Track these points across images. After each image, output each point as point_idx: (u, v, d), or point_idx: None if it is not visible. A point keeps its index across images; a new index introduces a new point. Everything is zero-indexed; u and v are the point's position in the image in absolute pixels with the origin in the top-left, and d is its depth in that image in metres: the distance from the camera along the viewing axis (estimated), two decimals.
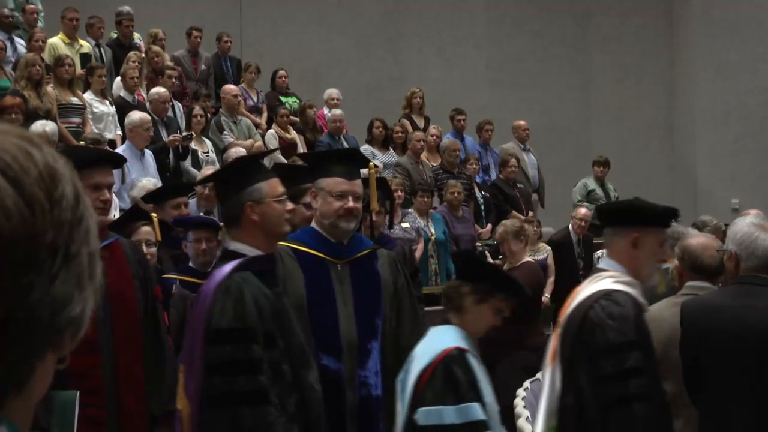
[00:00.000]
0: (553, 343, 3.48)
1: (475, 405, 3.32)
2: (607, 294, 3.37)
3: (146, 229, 5.12)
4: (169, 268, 5.63)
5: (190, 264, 5.49)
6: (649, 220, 3.54)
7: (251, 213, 3.27)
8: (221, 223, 5.63)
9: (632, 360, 3.25)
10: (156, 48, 10.76)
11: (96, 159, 3.78)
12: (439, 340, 3.49)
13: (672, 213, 3.60)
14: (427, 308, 6.05)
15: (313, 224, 3.85)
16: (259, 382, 3.04)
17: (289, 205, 3.42)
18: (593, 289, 3.43)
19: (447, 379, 3.35)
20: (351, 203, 3.78)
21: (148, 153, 8.54)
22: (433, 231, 9.15)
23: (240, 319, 3.06)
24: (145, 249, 4.58)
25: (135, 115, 8.51)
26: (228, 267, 3.15)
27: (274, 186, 3.35)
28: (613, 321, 3.29)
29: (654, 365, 3.40)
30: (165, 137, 9.08)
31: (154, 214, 5.31)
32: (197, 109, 9.63)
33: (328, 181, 3.78)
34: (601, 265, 3.68)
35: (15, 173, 0.90)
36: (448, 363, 3.37)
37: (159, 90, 9.48)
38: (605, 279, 3.46)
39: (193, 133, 9.32)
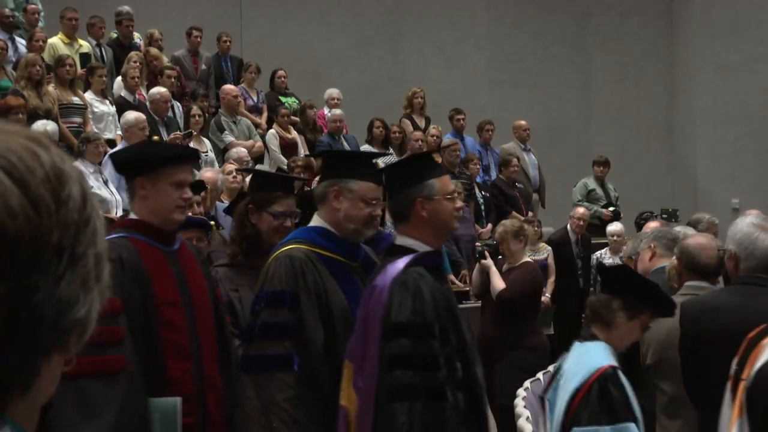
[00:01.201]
0: (738, 395, 3.21)
1: (632, 425, 3.28)
2: None
3: None
4: None
5: None
6: None
7: (421, 209, 3.24)
8: (212, 222, 5.65)
9: None
10: (154, 51, 10.76)
11: (180, 156, 3.68)
12: (591, 357, 3.42)
13: None
14: None
15: (324, 224, 3.68)
16: (438, 378, 3.04)
17: (458, 203, 3.38)
18: None
19: (602, 398, 3.29)
20: (378, 210, 3.72)
21: None
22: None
23: (419, 313, 3.06)
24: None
25: (130, 115, 8.53)
26: (401, 262, 3.13)
27: (445, 183, 3.31)
28: None
29: None
30: (165, 137, 9.09)
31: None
32: (195, 109, 9.63)
33: (362, 185, 3.62)
34: None
35: (21, 174, 0.90)
36: (604, 382, 3.31)
37: (159, 90, 9.49)
38: None
39: (192, 131, 9.33)
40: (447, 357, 3.07)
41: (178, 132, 9.18)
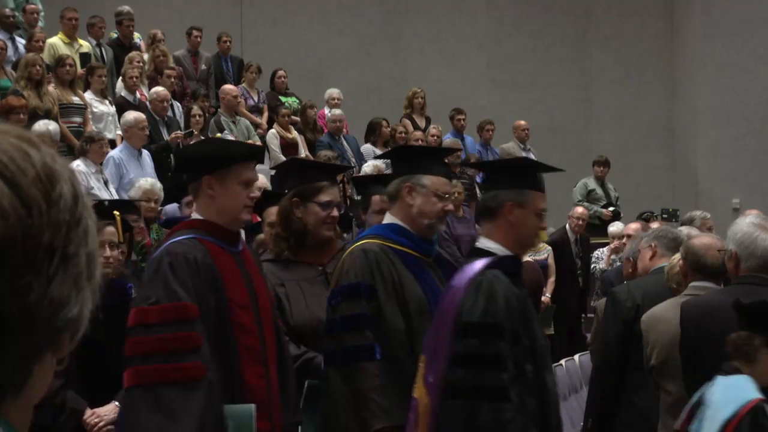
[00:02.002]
0: None
1: None
2: None
3: (110, 229, 4.50)
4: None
5: None
6: None
7: (509, 213, 3.26)
8: None
9: None
10: (162, 48, 10.80)
11: (249, 154, 3.56)
12: (740, 390, 3.42)
13: None
14: None
15: (397, 221, 3.63)
16: (502, 379, 3.04)
17: (543, 224, 3.40)
18: None
19: (754, 430, 3.31)
20: (450, 206, 3.73)
21: (146, 153, 8.55)
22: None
23: (490, 314, 3.08)
24: (108, 252, 4.18)
25: (130, 116, 8.54)
26: (479, 263, 3.14)
27: (540, 200, 3.33)
28: None
29: None
30: (166, 137, 9.10)
31: (116, 212, 5.04)
32: (195, 109, 9.63)
33: (434, 179, 3.60)
34: None
35: (12, 174, 0.90)
36: (755, 415, 3.32)
37: (158, 90, 9.50)
38: None
39: (194, 130, 9.33)
40: (516, 360, 3.09)
41: (179, 131, 9.18)
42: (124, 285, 4.46)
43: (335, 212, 4.07)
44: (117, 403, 4.13)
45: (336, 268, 3.61)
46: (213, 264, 3.24)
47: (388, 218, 3.68)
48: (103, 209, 4.76)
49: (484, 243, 3.31)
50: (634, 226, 7.91)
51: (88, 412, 3.99)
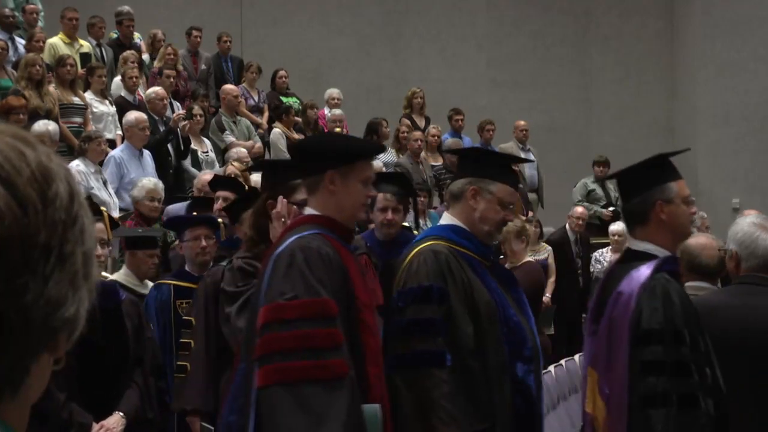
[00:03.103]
0: None
1: None
2: None
3: (99, 226, 4.35)
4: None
5: (186, 267, 5.21)
6: None
7: (660, 212, 3.25)
8: (219, 220, 5.55)
9: None
10: (173, 47, 10.87)
11: (374, 150, 3.49)
12: None
13: None
14: None
15: (458, 222, 3.56)
16: (691, 385, 3.02)
17: (693, 208, 3.33)
18: None
19: None
20: (512, 216, 3.69)
21: (147, 153, 8.55)
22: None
23: (669, 320, 3.05)
24: (99, 251, 4.13)
25: (131, 116, 8.56)
26: (646, 268, 3.13)
27: (682, 187, 3.31)
28: None
29: None
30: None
31: (104, 208, 4.78)
32: (197, 109, 9.64)
33: (501, 187, 3.54)
34: None
35: (7, 173, 0.90)
36: None
37: (156, 89, 9.51)
38: None
39: (193, 107, 9.38)
40: (697, 363, 3.07)
41: (181, 112, 9.20)
42: (115, 287, 4.44)
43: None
44: (122, 413, 4.11)
45: (400, 269, 3.50)
46: (342, 261, 3.12)
47: (448, 218, 3.61)
48: (93, 204, 4.64)
49: (640, 246, 3.28)
50: None
51: (96, 426, 3.96)
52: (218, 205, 5.93)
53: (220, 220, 5.52)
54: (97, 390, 4.02)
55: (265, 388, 2.93)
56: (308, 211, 3.26)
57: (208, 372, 4.41)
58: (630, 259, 3.26)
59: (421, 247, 3.49)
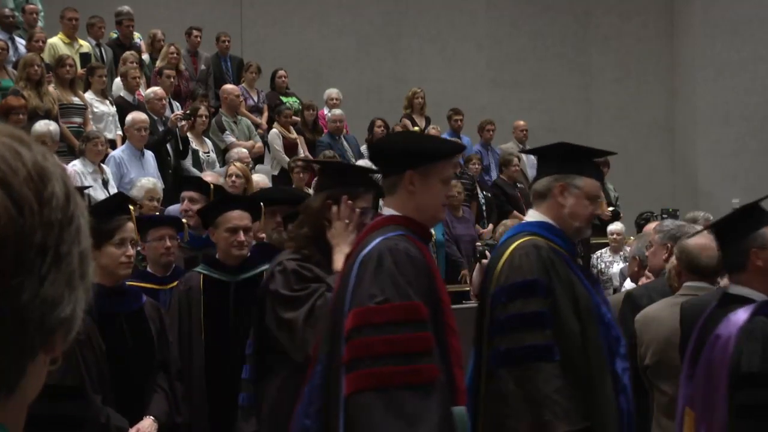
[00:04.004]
0: None
1: None
2: None
3: (131, 225, 4.13)
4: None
5: (148, 269, 5.06)
6: None
7: (756, 259, 3.35)
8: (183, 220, 5.48)
9: None
10: (177, 46, 10.87)
11: (454, 151, 3.40)
12: None
13: None
14: None
15: (546, 218, 3.53)
16: None
17: None
18: None
19: None
20: (599, 209, 3.71)
21: (149, 153, 8.55)
22: (432, 231, 9.11)
23: None
24: (130, 251, 3.95)
25: (130, 116, 8.57)
26: (744, 312, 3.20)
27: None
28: None
29: None
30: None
31: (132, 207, 4.52)
32: (202, 109, 9.63)
33: (588, 182, 3.52)
34: None
35: (3, 173, 0.89)
36: None
37: (155, 89, 9.50)
38: None
39: (190, 110, 9.38)
40: None
41: (179, 112, 9.20)
42: (138, 291, 4.28)
43: (368, 220, 3.90)
44: (152, 417, 3.97)
45: (499, 265, 3.45)
46: (427, 263, 3.08)
47: (536, 215, 3.57)
48: (116, 203, 4.38)
49: (737, 290, 3.37)
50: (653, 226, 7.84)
51: (132, 430, 3.87)
52: (184, 205, 5.90)
53: (184, 220, 5.47)
54: (125, 395, 3.92)
55: (356, 393, 2.90)
56: (387, 211, 3.21)
57: (172, 384, 4.23)
58: (727, 303, 3.35)
59: (519, 242, 3.44)
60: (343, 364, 2.94)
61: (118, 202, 4.36)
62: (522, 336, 3.30)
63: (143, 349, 4.05)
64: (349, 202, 3.67)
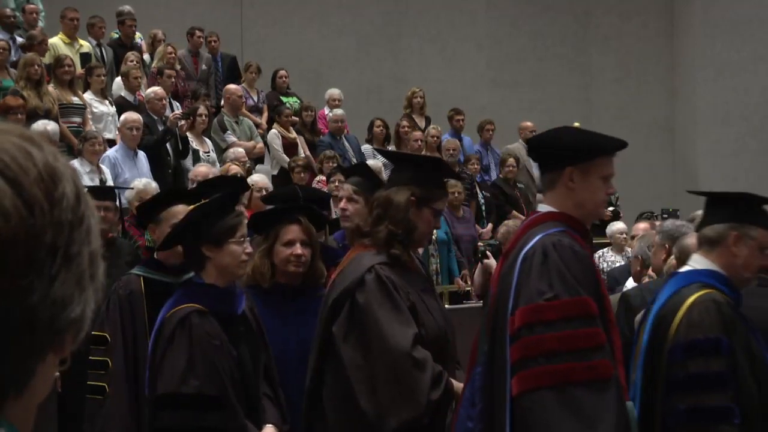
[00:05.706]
0: None
1: None
2: None
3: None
4: None
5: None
6: None
7: (733, 243, 3.31)
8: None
9: None
10: (173, 46, 10.87)
11: (615, 147, 3.28)
12: None
13: None
14: None
15: (716, 267, 3.45)
16: None
17: None
18: None
19: None
20: (766, 260, 3.66)
21: (141, 154, 8.55)
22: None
23: None
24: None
25: (123, 116, 8.60)
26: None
27: None
28: None
29: None
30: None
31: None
32: (202, 109, 9.63)
33: (762, 232, 3.45)
34: None
35: (14, 173, 0.89)
36: None
37: (155, 89, 9.50)
38: None
39: (189, 110, 9.38)
40: None
41: (178, 112, 9.20)
42: (241, 292, 3.96)
43: (439, 224, 3.83)
44: (272, 426, 3.79)
45: (675, 320, 3.33)
46: (590, 258, 3.03)
47: (704, 263, 3.44)
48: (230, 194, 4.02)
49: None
50: (642, 226, 7.85)
51: None
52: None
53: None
54: (248, 402, 3.73)
55: (529, 392, 2.86)
56: (543, 207, 3.18)
57: (130, 394, 4.10)
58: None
59: (697, 295, 3.33)
60: (511, 365, 2.90)
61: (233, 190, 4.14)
62: (703, 396, 3.22)
63: (255, 353, 3.84)
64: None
